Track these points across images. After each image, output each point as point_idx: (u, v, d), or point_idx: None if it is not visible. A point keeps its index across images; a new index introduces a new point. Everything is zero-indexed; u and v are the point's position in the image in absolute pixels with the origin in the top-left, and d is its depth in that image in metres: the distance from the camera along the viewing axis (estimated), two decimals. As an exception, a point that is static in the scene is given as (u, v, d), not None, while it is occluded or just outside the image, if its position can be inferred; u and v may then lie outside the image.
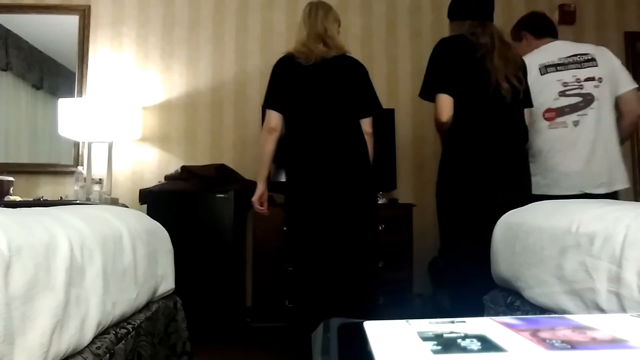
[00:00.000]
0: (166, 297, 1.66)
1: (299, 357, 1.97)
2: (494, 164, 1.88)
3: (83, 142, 3.28)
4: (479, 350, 0.43)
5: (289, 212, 2.09)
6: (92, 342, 1.05)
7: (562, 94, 2.12)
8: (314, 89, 2.05)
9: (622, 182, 2.13)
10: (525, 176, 1.98)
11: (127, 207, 2.68)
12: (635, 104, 2.18)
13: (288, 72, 2.06)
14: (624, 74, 2.19)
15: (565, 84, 2.12)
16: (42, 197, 2.99)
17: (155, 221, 1.72)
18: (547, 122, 2.12)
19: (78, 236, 1.04)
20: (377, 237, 2.13)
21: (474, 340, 0.45)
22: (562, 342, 0.44)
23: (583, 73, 2.12)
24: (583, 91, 2.11)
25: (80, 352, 0.98)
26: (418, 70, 3.16)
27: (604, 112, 2.11)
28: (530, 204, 1.50)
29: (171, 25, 3.41)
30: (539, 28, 2.32)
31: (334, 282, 2.01)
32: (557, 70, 2.14)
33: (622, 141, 2.20)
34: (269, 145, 2.07)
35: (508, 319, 0.53)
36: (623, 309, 0.93)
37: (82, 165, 3.22)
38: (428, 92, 1.96)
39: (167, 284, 1.65)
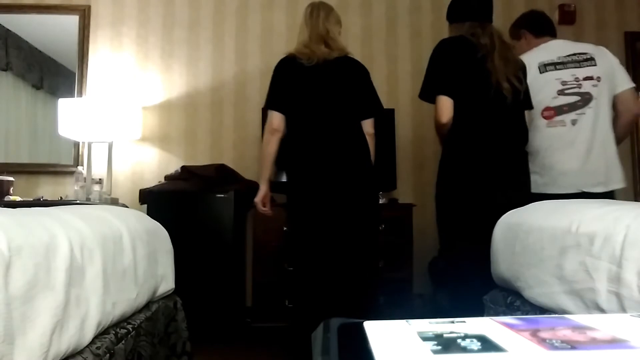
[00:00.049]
0: (166, 297, 1.66)
1: (299, 357, 1.97)
2: (494, 164, 1.88)
3: (83, 142, 3.28)
4: (479, 350, 0.43)
5: (291, 212, 2.09)
6: (92, 342, 1.05)
7: (561, 92, 2.12)
8: (316, 90, 2.05)
9: (618, 181, 2.14)
10: (525, 177, 1.98)
11: (127, 207, 2.68)
12: (632, 103, 2.19)
13: (290, 73, 2.05)
14: (621, 73, 2.19)
15: (564, 83, 2.12)
16: (42, 197, 2.99)
17: (155, 221, 1.72)
18: (546, 121, 2.12)
19: (78, 236, 1.04)
20: (378, 237, 2.13)
21: (474, 340, 0.45)
22: (562, 342, 0.44)
23: (582, 72, 2.13)
24: (581, 90, 2.11)
25: (80, 352, 0.98)
26: (418, 70, 3.16)
27: (601, 112, 2.12)
28: (530, 204, 1.50)
29: (171, 25, 3.41)
30: (538, 26, 2.32)
31: (335, 282, 2.01)
32: (556, 69, 2.14)
33: (618, 140, 2.20)
34: (272, 146, 2.07)
35: (508, 319, 0.53)
36: (623, 309, 0.93)
37: (82, 165, 3.21)
38: (428, 94, 1.96)
39: (167, 284, 1.65)
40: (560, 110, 2.12)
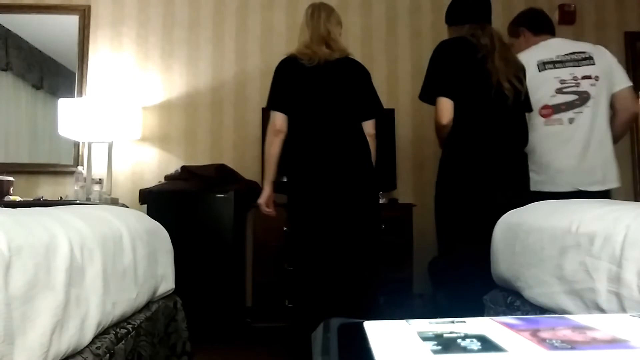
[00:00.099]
0: (166, 297, 1.66)
1: (299, 357, 1.97)
2: (495, 165, 1.88)
3: (83, 142, 3.28)
4: (479, 350, 0.43)
5: (291, 212, 2.09)
6: (92, 342, 1.05)
7: (559, 91, 2.12)
8: (317, 91, 2.05)
9: (614, 180, 2.14)
10: (525, 178, 1.99)
11: (127, 207, 2.68)
12: (630, 101, 2.19)
13: (291, 73, 2.05)
14: (619, 72, 2.20)
15: (562, 82, 2.13)
16: (42, 197, 2.99)
17: (155, 221, 1.72)
18: (543, 119, 2.13)
19: (78, 236, 1.04)
20: (379, 238, 2.13)
21: (474, 340, 0.45)
22: (562, 342, 0.44)
23: (580, 71, 2.13)
24: (579, 89, 2.12)
25: (80, 352, 0.98)
26: (418, 71, 3.17)
27: (599, 111, 2.12)
28: (530, 204, 1.50)
29: (171, 25, 3.41)
30: (537, 24, 2.32)
31: (335, 282, 2.01)
32: (555, 68, 2.15)
33: (616, 139, 2.21)
34: (275, 147, 2.06)
35: (508, 319, 0.53)
36: (623, 309, 0.93)
37: (82, 165, 3.21)
38: (428, 95, 1.96)
39: (167, 284, 1.65)
40: (557, 108, 2.12)
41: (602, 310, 0.99)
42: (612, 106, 2.19)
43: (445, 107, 1.89)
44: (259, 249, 2.87)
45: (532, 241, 1.28)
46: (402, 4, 3.48)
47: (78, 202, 2.76)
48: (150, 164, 3.32)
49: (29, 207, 1.24)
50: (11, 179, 2.88)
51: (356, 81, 2.12)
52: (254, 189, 3.08)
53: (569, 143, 2.10)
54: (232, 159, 3.28)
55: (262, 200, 2.14)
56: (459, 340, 0.45)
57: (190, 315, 1.84)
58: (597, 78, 2.13)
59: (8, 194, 2.81)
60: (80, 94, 3.32)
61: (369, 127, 2.13)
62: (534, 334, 0.47)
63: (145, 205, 2.83)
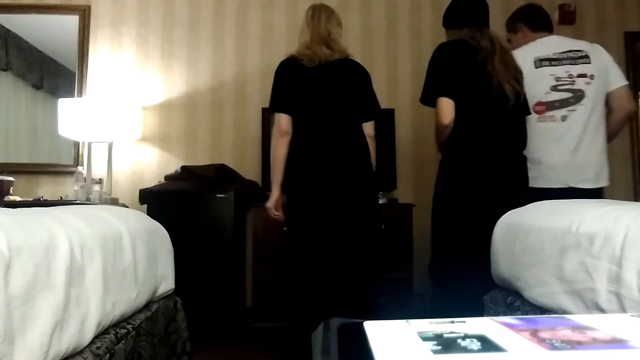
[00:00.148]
0: (166, 297, 1.66)
1: (299, 357, 1.97)
2: (496, 166, 1.88)
3: (83, 142, 3.28)
4: (479, 350, 0.43)
5: (291, 212, 2.08)
6: (92, 342, 1.05)
7: (554, 88, 2.13)
8: (318, 92, 2.05)
9: (605, 179, 2.15)
10: (524, 180, 1.99)
11: (127, 207, 2.68)
12: (625, 99, 2.20)
13: (292, 74, 2.05)
14: (615, 71, 2.21)
15: (557, 79, 2.13)
16: (42, 197, 2.99)
17: (155, 221, 1.72)
18: (537, 115, 2.13)
19: (78, 236, 1.04)
20: (379, 239, 2.13)
21: (474, 340, 0.45)
22: (562, 342, 0.44)
23: (576, 69, 2.14)
24: (574, 87, 2.12)
25: (80, 352, 0.98)
26: (418, 70, 3.17)
27: (593, 109, 2.13)
28: (530, 204, 1.50)
29: (171, 25, 3.41)
30: (535, 21, 2.32)
31: (335, 282, 2.01)
32: (551, 65, 2.15)
33: (610, 137, 2.22)
34: (282, 148, 2.03)
35: (508, 319, 0.53)
36: (623, 309, 0.93)
37: (82, 165, 3.22)
38: (429, 97, 1.95)
39: (167, 284, 1.65)
40: (551, 105, 2.13)
41: (602, 310, 0.99)
42: (608, 105, 2.20)
43: (447, 108, 1.89)
44: (259, 249, 2.87)
45: (532, 241, 1.28)
46: (402, 4, 3.48)
47: (78, 202, 2.76)
48: (150, 164, 3.32)
49: (29, 207, 1.24)
50: (11, 179, 2.88)
51: (356, 82, 2.12)
52: (254, 189, 3.08)
53: (561, 140, 2.11)
54: (232, 159, 3.28)
55: (270, 203, 2.10)
56: (459, 340, 0.45)
57: (190, 315, 1.84)
58: (592, 77, 2.13)
59: (8, 194, 2.81)
60: (80, 94, 3.32)
61: (368, 128, 2.13)
62: (534, 334, 0.47)
63: (145, 205, 2.83)
